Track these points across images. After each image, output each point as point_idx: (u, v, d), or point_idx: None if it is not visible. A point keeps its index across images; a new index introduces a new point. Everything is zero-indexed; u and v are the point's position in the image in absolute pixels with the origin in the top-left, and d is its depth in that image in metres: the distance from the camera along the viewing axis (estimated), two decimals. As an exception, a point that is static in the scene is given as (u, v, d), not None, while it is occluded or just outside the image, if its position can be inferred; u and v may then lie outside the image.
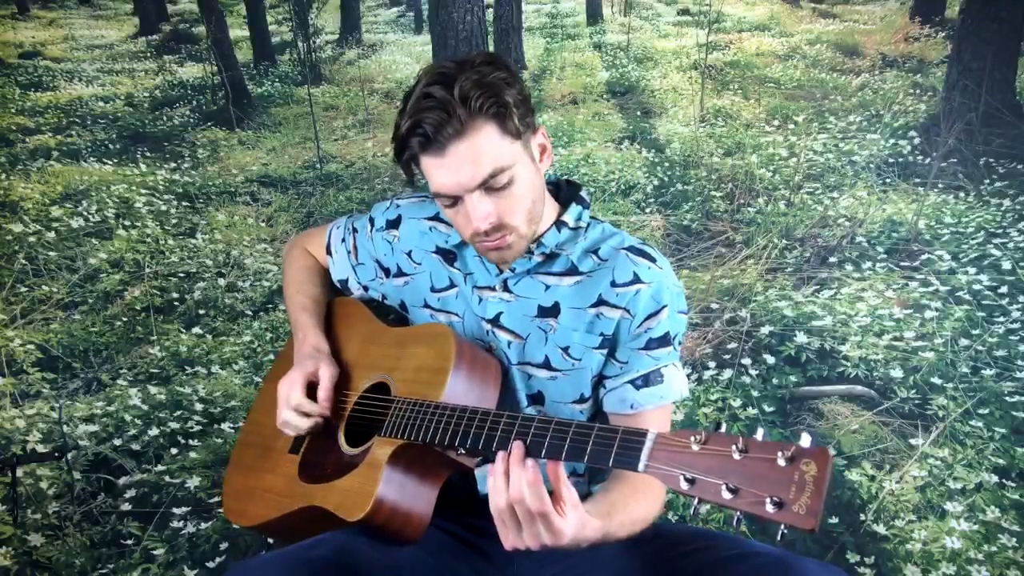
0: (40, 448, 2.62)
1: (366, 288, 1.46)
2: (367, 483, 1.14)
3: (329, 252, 1.49)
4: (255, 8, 6.59)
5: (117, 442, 2.67)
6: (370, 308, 1.43)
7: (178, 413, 2.81)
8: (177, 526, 2.32)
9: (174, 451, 2.64)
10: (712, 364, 2.93)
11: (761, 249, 3.72)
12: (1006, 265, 3.39)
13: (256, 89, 6.09)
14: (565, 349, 1.25)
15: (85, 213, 4.25)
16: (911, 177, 4.30)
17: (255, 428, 1.46)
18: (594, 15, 7.76)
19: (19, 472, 2.11)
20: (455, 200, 1.16)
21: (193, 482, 2.48)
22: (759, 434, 0.83)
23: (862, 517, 2.23)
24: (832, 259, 3.59)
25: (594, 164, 4.79)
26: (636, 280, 1.22)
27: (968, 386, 2.71)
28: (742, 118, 5.23)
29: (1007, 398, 2.65)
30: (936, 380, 2.76)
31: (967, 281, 3.31)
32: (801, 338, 3.02)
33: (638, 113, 5.58)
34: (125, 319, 3.40)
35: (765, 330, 3.09)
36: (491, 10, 5.83)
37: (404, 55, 7.07)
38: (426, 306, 1.35)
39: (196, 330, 3.34)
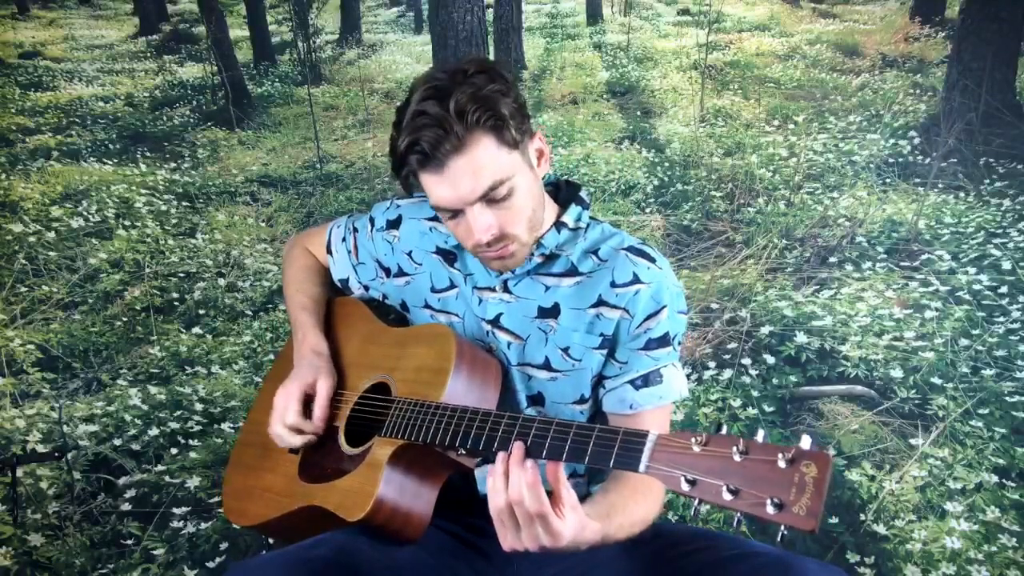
0: (40, 448, 2.62)
1: (367, 288, 1.46)
2: (367, 483, 1.15)
3: (330, 251, 1.49)
4: (255, 8, 6.59)
5: (117, 442, 2.67)
6: (370, 308, 1.43)
7: (178, 413, 2.81)
8: (177, 526, 2.32)
9: (174, 451, 2.64)
10: (712, 364, 2.93)
11: (761, 249, 3.72)
12: (1006, 265, 3.39)
13: (256, 89, 6.09)
14: (565, 350, 1.25)
15: (85, 213, 4.25)
16: (911, 177, 4.30)
17: (255, 428, 1.46)
18: (594, 15, 7.77)
19: (19, 472, 2.11)
20: (456, 213, 1.16)
21: (193, 482, 2.48)
22: (760, 436, 0.83)
23: (862, 517, 2.23)
24: (832, 259, 3.59)
25: (594, 164, 4.79)
26: (636, 280, 1.22)
27: (968, 386, 2.71)
28: (742, 118, 5.23)
29: (1007, 398, 2.65)
30: (936, 380, 2.76)
31: (967, 281, 3.31)
32: (801, 338, 3.02)
33: (638, 113, 5.58)
34: (125, 319, 3.41)
35: (765, 330, 3.09)
36: (491, 10, 5.84)
37: (404, 55, 7.07)
38: (426, 306, 1.35)
39: (196, 330, 3.34)
